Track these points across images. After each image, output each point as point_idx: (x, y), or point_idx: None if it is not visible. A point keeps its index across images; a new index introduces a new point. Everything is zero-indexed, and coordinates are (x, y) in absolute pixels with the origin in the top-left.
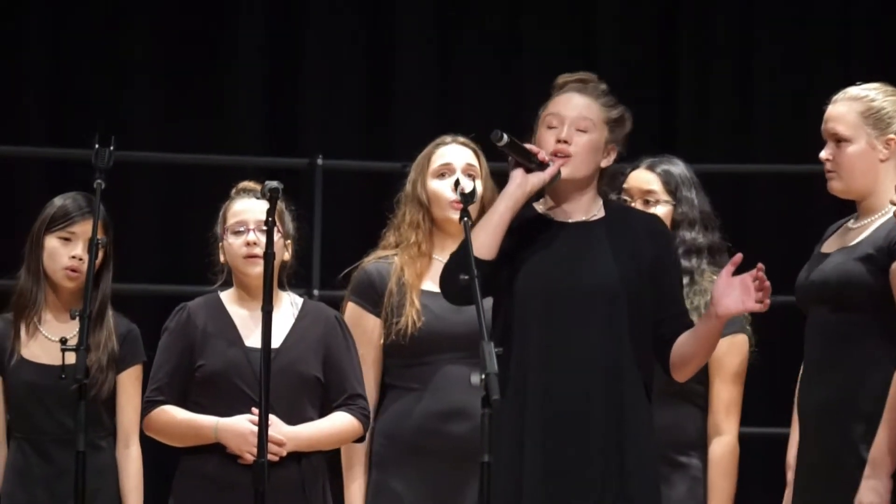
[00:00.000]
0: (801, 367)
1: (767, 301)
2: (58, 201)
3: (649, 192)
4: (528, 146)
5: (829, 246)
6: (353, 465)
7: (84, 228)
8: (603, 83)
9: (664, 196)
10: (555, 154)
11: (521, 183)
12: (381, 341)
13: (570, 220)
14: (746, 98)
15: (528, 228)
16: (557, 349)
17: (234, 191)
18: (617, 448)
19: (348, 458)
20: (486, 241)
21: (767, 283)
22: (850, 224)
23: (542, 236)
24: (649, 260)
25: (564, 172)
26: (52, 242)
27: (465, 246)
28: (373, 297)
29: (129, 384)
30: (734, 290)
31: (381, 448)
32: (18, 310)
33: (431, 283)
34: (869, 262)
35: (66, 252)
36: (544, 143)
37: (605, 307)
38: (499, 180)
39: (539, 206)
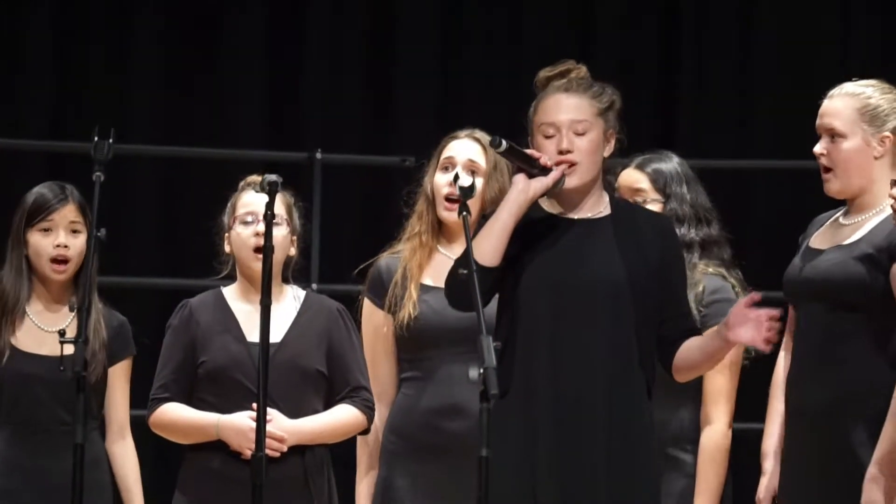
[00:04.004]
0: (790, 363)
1: (771, 346)
2: (32, 194)
3: (638, 190)
4: (529, 151)
5: (819, 241)
6: (364, 461)
7: (62, 215)
8: (583, 69)
9: (653, 194)
10: (559, 164)
11: (523, 188)
12: (392, 334)
13: (575, 217)
14: (746, 94)
15: (534, 227)
16: (562, 344)
17: (241, 184)
18: (619, 442)
19: (361, 453)
20: (488, 248)
21: (776, 327)
22: (842, 219)
23: (548, 234)
24: (655, 258)
25: (573, 182)
26: (34, 237)
27: (468, 242)
28: (380, 291)
29: (121, 377)
30: (749, 322)
31: (388, 444)
32: (2, 308)
33: (431, 278)
34: (868, 261)
35: (48, 242)
36: (545, 153)
37: (609, 302)
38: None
39: (545, 204)
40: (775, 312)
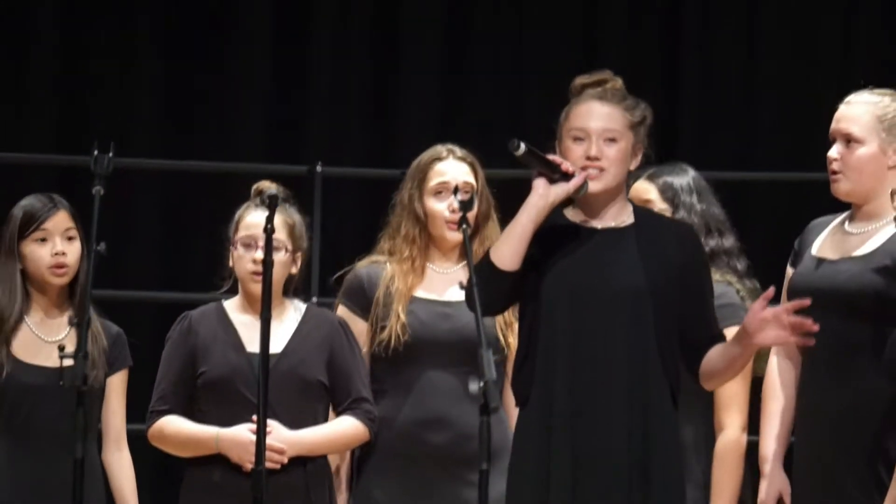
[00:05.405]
0: (801, 370)
1: (806, 339)
2: (20, 206)
3: (647, 200)
4: (550, 157)
5: (827, 250)
6: (339, 471)
7: (55, 223)
8: (619, 81)
9: (661, 204)
10: (584, 169)
11: (543, 193)
12: (368, 346)
13: (599, 227)
14: (748, 106)
15: (557, 235)
16: (583, 351)
17: (252, 191)
18: (642, 450)
19: (334, 463)
20: (507, 252)
21: (807, 323)
22: (848, 227)
23: (571, 242)
24: (678, 266)
25: (597, 186)
26: (29, 247)
27: (468, 256)
28: (362, 301)
29: (117, 388)
30: (768, 323)
31: (363, 455)
32: None
33: (421, 290)
34: (887, 273)
35: (45, 251)
36: (571, 157)
37: (631, 309)
38: (501, 187)
39: (569, 213)
40: (795, 304)
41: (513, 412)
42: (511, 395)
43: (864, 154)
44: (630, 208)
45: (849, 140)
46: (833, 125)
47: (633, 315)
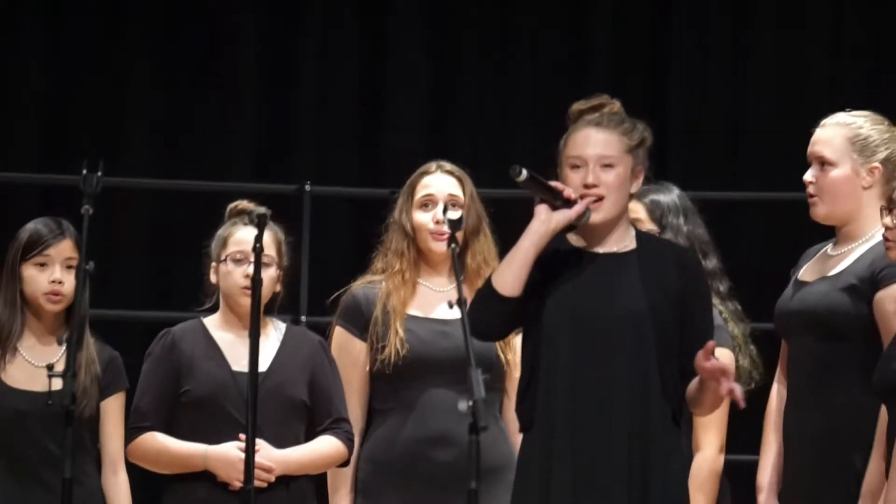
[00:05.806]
0: (786, 395)
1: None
2: (28, 228)
3: (635, 220)
4: (552, 183)
5: (808, 273)
6: (339, 491)
7: (58, 250)
8: (617, 104)
9: (649, 224)
10: (583, 197)
11: (545, 220)
12: (368, 367)
13: (601, 251)
14: (735, 126)
15: (559, 260)
16: (585, 374)
17: (229, 211)
18: (643, 473)
19: (334, 483)
20: (509, 277)
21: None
22: (830, 251)
23: (573, 267)
24: (678, 291)
25: (598, 217)
26: (28, 271)
27: (456, 275)
28: (360, 321)
29: (114, 411)
30: (708, 375)
31: (365, 475)
32: None
33: (417, 309)
34: (853, 292)
35: (44, 277)
36: (570, 184)
37: (632, 333)
38: (489, 206)
39: (571, 238)
40: (719, 368)
41: (514, 427)
42: (513, 410)
43: (838, 176)
44: (633, 233)
45: (822, 163)
46: (809, 148)
47: (635, 338)
